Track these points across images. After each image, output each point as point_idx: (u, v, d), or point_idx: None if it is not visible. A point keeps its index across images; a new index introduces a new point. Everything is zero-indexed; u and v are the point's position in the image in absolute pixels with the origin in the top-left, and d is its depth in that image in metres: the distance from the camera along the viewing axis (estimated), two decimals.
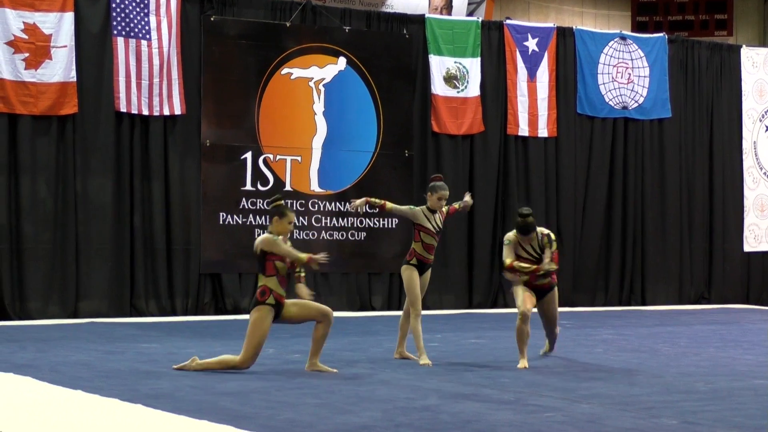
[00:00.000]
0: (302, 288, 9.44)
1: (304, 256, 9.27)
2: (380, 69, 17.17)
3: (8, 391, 7.95)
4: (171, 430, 6.32)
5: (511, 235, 10.56)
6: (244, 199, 16.18)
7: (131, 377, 8.86)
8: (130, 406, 7.22)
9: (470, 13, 20.67)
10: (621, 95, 19.09)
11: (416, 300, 10.31)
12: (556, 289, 10.74)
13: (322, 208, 16.69)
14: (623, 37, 19.29)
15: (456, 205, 10.76)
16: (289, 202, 16.34)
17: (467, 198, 10.89)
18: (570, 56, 18.72)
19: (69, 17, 14.81)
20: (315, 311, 9.41)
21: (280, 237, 9.36)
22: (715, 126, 20.12)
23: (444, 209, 10.54)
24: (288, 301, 9.36)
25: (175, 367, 9.41)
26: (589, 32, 19.12)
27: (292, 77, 16.56)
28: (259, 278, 9.40)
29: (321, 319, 9.39)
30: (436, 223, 10.46)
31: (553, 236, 10.57)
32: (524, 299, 10.41)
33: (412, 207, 10.59)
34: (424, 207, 10.48)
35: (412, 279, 10.38)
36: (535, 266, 10.50)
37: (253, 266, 16.06)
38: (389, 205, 10.54)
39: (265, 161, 16.32)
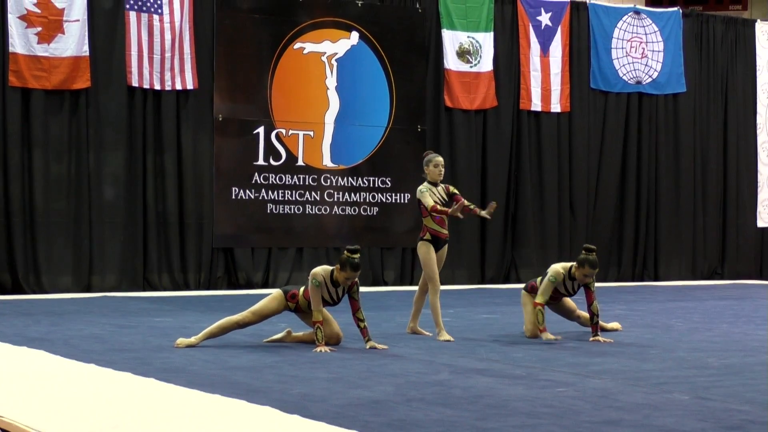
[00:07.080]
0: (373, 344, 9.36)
1: (317, 323, 9.12)
2: (393, 43, 17.13)
3: (22, 365, 7.97)
4: (183, 404, 6.33)
5: (560, 271, 10.02)
6: (256, 173, 16.18)
7: (144, 351, 8.88)
8: (142, 380, 7.23)
9: None
10: (635, 70, 19.01)
11: (433, 275, 10.23)
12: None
13: (334, 183, 16.69)
14: (637, 12, 19.19)
15: (477, 209, 10.27)
16: (303, 177, 16.37)
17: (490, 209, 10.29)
18: (583, 31, 18.65)
19: None
20: (329, 330, 9.35)
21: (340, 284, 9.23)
22: (730, 101, 20.05)
23: (451, 189, 10.38)
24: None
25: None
26: (603, 6, 18.99)
27: (305, 52, 16.53)
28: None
29: (331, 340, 9.34)
30: (440, 195, 10.33)
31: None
32: (529, 321, 10.28)
33: (421, 190, 10.25)
34: (425, 184, 10.32)
35: (428, 254, 10.28)
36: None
37: (265, 240, 16.24)
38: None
39: (277, 136, 16.31)
